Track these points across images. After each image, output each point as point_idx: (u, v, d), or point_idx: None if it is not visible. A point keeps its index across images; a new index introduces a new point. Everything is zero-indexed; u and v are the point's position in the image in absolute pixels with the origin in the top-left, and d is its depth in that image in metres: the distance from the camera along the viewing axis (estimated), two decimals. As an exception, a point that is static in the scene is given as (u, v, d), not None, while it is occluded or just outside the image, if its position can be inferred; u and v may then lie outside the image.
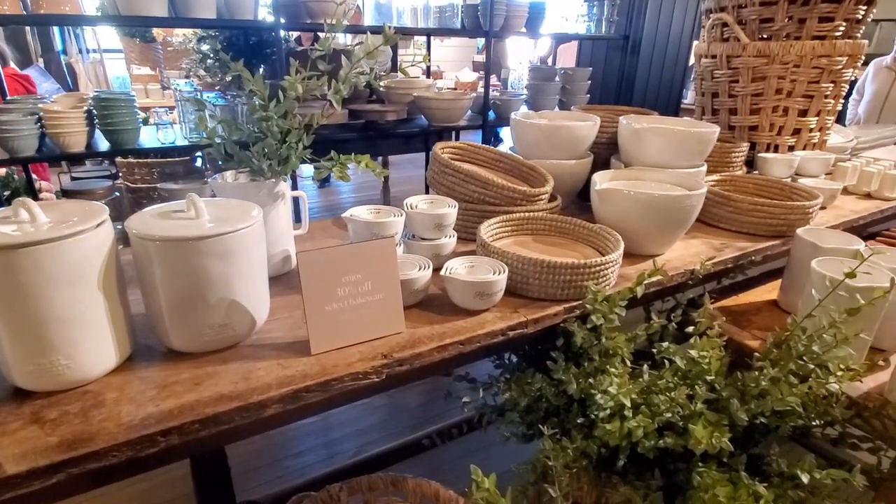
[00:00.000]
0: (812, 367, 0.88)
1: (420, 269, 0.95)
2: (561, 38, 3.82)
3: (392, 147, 3.80)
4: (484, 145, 1.45)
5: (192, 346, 0.79)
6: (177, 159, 3.06)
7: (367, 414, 2.09)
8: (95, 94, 2.14)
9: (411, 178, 5.58)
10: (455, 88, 6.03)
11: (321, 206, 4.99)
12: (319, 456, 1.85)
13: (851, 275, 0.86)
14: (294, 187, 1.12)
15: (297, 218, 1.15)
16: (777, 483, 0.88)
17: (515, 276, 0.97)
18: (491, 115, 3.14)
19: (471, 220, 1.21)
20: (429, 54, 3.67)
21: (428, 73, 3.86)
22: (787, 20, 1.53)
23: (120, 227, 0.75)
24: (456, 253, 1.12)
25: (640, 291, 0.92)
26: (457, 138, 5.06)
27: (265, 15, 2.46)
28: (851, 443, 0.98)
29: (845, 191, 1.67)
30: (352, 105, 2.88)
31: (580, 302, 0.97)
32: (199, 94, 2.70)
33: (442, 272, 0.93)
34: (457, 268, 0.96)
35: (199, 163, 3.09)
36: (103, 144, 2.26)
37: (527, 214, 1.19)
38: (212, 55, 2.89)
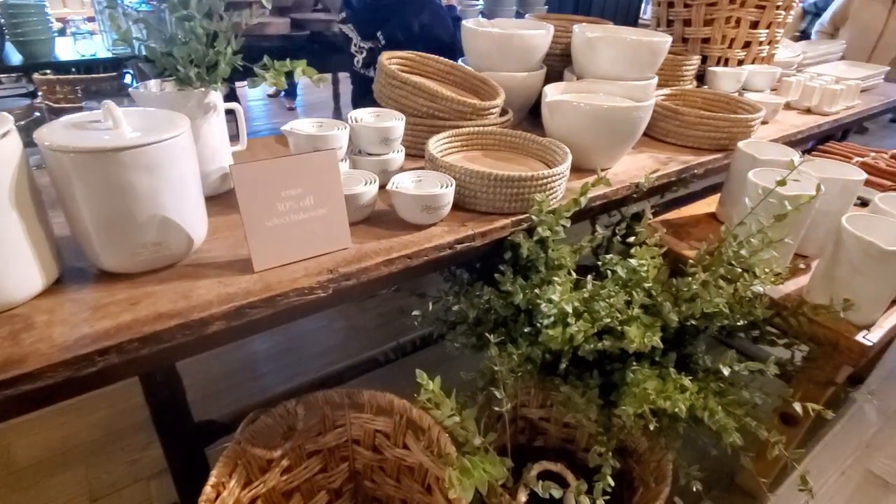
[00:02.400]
0: (740, 271, 0.94)
1: (366, 184, 0.92)
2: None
3: (342, 62, 3.57)
4: (434, 56, 1.38)
5: (127, 267, 0.75)
6: (102, 75, 2.78)
7: (326, 336, 2.12)
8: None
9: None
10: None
11: (269, 129, 4.72)
12: (279, 377, 1.89)
13: (782, 183, 0.89)
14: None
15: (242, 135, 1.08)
16: (702, 377, 0.96)
17: (463, 190, 0.96)
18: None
19: (420, 136, 1.17)
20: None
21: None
22: (745, -78, 1.47)
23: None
24: (404, 169, 1.10)
25: (583, 202, 0.94)
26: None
27: None
28: (770, 340, 1.07)
29: (788, 106, 1.71)
30: (294, 13, 2.65)
31: (527, 214, 0.98)
32: None
33: (388, 186, 0.91)
34: (404, 182, 0.94)
35: (128, 79, 2.83)
36: (16, 58, 2.02)
37: (476, 129, 1.17)
38: None
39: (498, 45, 1.33)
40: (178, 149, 0.71)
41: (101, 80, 2.72)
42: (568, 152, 1.04)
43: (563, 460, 1.15)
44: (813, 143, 1.80)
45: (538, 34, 1.34)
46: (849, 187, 1.09)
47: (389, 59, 1.28)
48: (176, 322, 0.68)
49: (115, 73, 2.77)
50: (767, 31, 1.65)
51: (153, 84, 0.94)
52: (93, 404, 1.64)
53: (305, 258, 0.81)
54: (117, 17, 0.84)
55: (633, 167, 1.24)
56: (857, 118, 1.73)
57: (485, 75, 1.33)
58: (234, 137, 1.07)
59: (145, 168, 0.68)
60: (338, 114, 4.73)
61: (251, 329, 0.76)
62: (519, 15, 3.15)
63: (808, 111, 1.69)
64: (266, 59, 0.88)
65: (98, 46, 2.70)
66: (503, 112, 1.29)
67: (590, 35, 1.29)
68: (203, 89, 0.90)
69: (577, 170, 1.18)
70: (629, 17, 3.04)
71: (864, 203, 1.38)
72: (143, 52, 0.87)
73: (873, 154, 1.66)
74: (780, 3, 1.59)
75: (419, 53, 1.38)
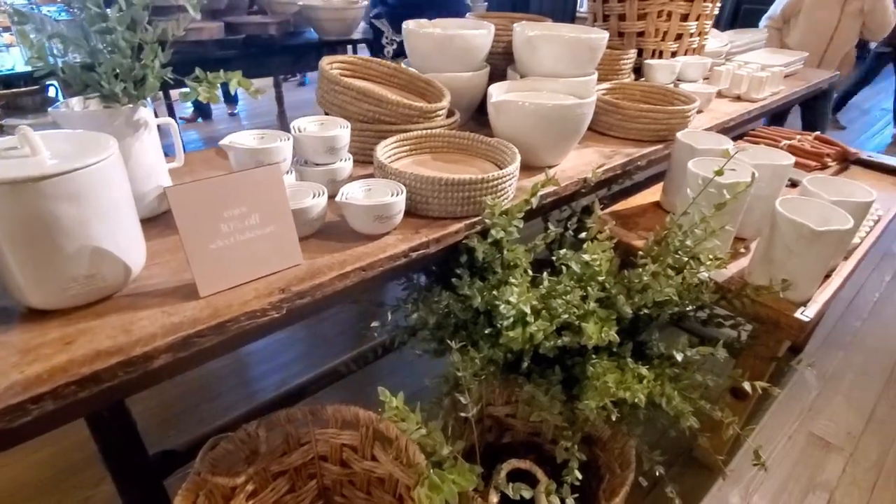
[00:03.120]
0: (686, 259, 0.97)
1: (315, 197, 0.89)
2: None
3: (280, 66, 3.47)
4: (376, 59, 1.36)
5: (57, 303, 0.70)
6: (23, 89, 2.59)
7: (286, 348, 2.07)
8: None
9: (310, 101, 5.20)
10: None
11: (206, 141, 4.52)
12: (238, 396, 1.82)
13: (719, 173, 0.93)
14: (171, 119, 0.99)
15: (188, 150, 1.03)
16: (657, 364, 0.99)
17: (415, 196, 0.95)
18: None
19: (368, 141, 1.15)
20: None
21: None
22: (671, -80, 1.52)
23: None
24: (353, 177, 1.07)
25: (535, 202, 0.95)
26: (355, 53, 4.73)
27: None
28: (717, 322, 1.12)
29: (720, 94, 1.79)
30: (228, 17, 2.55)
31: (480, 217, 0.98)
32: (34, 7, 2.25)
33: (338, 198, 0.88)
34: (354, 192, 0.92)
35: (53, 92, 2.64)
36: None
37: (424, 132, 1.16)
38: None
39: (440, 45, 1.32)
40: (105, 173, 0.66)
41: (22, 95, 2.53)
42: (516, 152, 1.05)
43: (531, 454, 1.16)
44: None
45: (479, 34, 1.34)
46: (779, 172, 1.16)
47: (331, 64, 1.25)
48: (117, 359, 0.64)
49: (36, 87, 2.58)
50: (697, 22, 1.72)
51: (76, 102, 0.87)
52: (37, 442, 1.53)
53: (255, 279, 0.78)
54: (26, 32, 0.77)
55: (580, 162, 1.26)
56: (783, 103, 1.83)
57: (429, 77, 1.32)
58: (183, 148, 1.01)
59: (70, 197, 0.63)
60: (282, 117, 4.60)
61: (201, 359, 0.72)
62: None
63: (739, 98, 1.78)
64: (198, 70, 0.84)
65: (17, 59, 2.52)
66: (450, 113, 1.29)
67: (530, 34, 1.31)
68: (131, 106, 0.85)
69: (527, 167, 1.19)
70: (567, 13, 3.10)
71: (794, 184, 1.47)
72: (62, 69, 0.81)
73: (798, 137, 1.77)
74: (707, -4, 1.66)
75: (362, 57, 1.36)
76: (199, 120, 4.39)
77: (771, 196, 1.17)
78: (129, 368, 0.65)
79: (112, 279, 0.72)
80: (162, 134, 0.95)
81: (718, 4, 1.75)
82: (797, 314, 1.01)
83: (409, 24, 1.37)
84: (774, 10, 2.84)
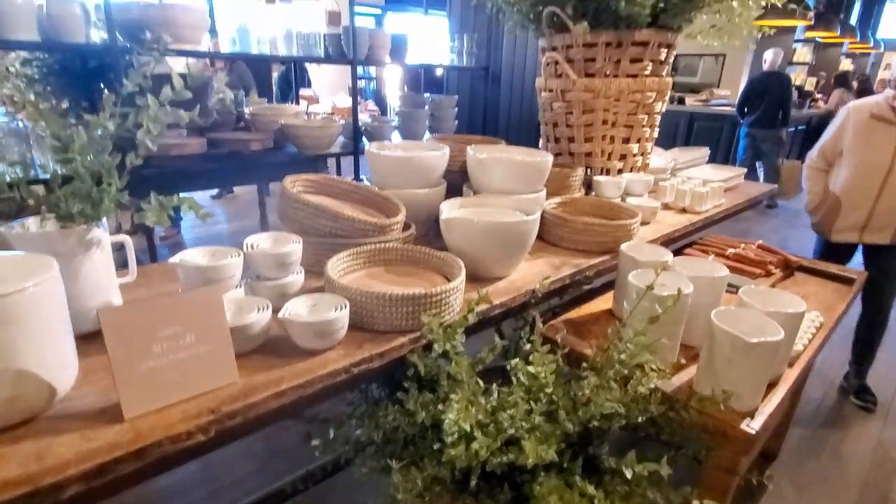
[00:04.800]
0: (627, 370, 0.99)
1: (259, 312, 0.91)
2: (427, 68, 3.98)
3: (261, 176, 3.65)
4: (337, 177, 1.45)
5: (-29, 427, 0.68)
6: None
7: (241, 462, 1.95)
8: None
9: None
10: (332, 113, 5.98)
11: (196, 238, 4.60)
12: (181, 520, 1.69)
13: (650, 287, 0.98)
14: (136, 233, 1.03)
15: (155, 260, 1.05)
16: (608, 480, 0.96)
17: (360, 311, 0.98)
18: (364, 141, 3.15)
19: (323, 254, 1.19)
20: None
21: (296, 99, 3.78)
22: (605, 60, 1.74)
23: None
24: (305, 289, 1.10)
25: (472, 319, 0.97)
26: (338, 164, 5.00)
27: (101, 34, 2.23)
28: (669, 432, 1.11)
29: (666, 206, 1.92)
30: (212, 133, 2.72)
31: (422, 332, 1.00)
32: (14, 120, 2.37)
33: (280, 314, 0.90)
34: (297, 308, 0.94)
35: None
36: None
37: (378, 246, 1.21)
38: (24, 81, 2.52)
39: (399, 166, 1.43)
40: (38, 297, 0.68)
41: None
42: (462, 266, 1.10)
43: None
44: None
45: (435, 156, 1.45)
46: (715, 283, 1.22)
47: (293, 182, 1.33)
48: (23, 490, 0.61)
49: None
50: (638, 144, 1.89)
51: (32, 222, 0.91)
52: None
53: (186, 398, 0.77)
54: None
55: (530, 273, 1.31)
56: (725, 216, 1.97)
57: (388, 193, 1.41)
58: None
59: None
60: (264, 220, 4.77)
61: (118, 487, 0.69)
62: (432, 129, 3.42)
63: (684, 210, 1.90)
64: (152, 195, 0.89)
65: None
66: (406, 226, 1.36)
67: (480, 157, 1.42)
68: (85, 226, 0.89)
69: (478, 279, 1.24)
70: (531, 130, 3.39)
71: (737, 289, 1.54)
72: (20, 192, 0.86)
73: (743, 245, 1.88)
74: (644, 123, 1.84)
75: (324, 175, 1.45)
76: (177, 232, 4.49)
77: (711, 305, 1.22)
78: (35, 500, 0.62)
79: (35, 401, 0.71)
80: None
81: (657, 129, 1.94)
82: (743, 426, 1.01)
83: (371, 147, 1.49)
84: (814, 152, 2.35)
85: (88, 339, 0.90)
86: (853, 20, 10.07)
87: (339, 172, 5.14)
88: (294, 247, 1.04)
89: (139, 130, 0.84)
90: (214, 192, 5.74)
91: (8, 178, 0.84)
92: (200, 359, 0.77)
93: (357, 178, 3.14)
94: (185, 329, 0.75)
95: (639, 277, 1.16)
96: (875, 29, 12.08)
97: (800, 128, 8.04)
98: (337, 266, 1.12)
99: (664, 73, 1.85)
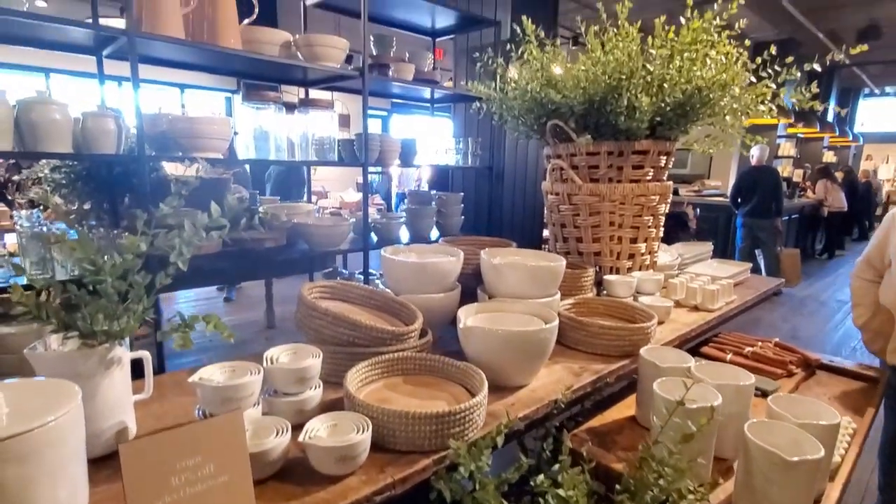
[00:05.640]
0: (665, 497, 0.93)
1: (277, 435, 0.88)
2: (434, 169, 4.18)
3: (274, 272, 3.70)
4: (353, 283, 1.47)
5: (-31, 579, 0.63)
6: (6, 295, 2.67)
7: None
8: None
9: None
10: (340, 208, 6.19)
11: (201, 334, 4.54)
12: None
13: (681, 403, 0.95)
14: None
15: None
16: None
17: (381, 429, 0.94)
18: (372, 237, 3.23)
19: (341, 364, 1.17)
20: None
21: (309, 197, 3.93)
22: (608, 167, 1.83)
23: None
24: (323, 404, 1.07)
25: (500, 441, 0.94)
26: (344, 259, 5.08)
27: (130, 146, 2.37)
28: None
29: (678, 304, 1.92)
30: (227, 234, 2.79)
31: (447, 452, 0.95)
32: (43, 225, 2.46)
33: (301, 437, 0.87)
34: (318, 429, 0.90)
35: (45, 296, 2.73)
36: None
37: (396, 355, 1.19)
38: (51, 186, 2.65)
39: (414, 272, 1.45)
40: (62, 430, 0.66)
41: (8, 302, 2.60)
42: (484, 379, 1.07)
43: None
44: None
45: (450, 261, 1.48)
46: (742, 392, 1.18)
47: (310, 290, 1.34)
48: None
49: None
50: (646, 244, 1.94)
51: (54, 340, 0.91)
52: None
53: (199, 537, 0.72)
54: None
55: (549, 381, 1.28)
56: (737, 312, 1.96)
57: (403, 298, 1.42)
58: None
59: (16, 459, 0.61)
60: (270, 312, 4.77)
61: None
62: (439, 225, 3.51)
63: (696, 308, 1.90)
64: (178, 313, 0.90)
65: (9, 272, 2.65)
66: (423, 333, 1.35)
67: (494, 262, 1.45)
68: (108, 345, 0.88)
69: (499, 388, 1.21)
70: (535, 228, 3.49)
71: (764, 394, 1.49)
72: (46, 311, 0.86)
73: (760, 343, 1.85)
74: (650, 224, 1.90)
75: (341, 281, 1.47)
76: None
77: (740, 414, 1.17)
78: None
79: (40, 544, 0.66)
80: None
81: (662, 229, 1.99)
82: (794, 555, 0.93)
83: (386, 252, 1.52)
84: (861, 262, 2.07)
85: (99, 464, 0.86)
86: (830, 117, 10.73)
87: (345, 265, 5.22)
88: (314, 361, 1.03)
89: (172, 252, 0.86)
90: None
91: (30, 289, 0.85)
92: (217, 491, 0.73)
93: (366, 272, 3.18)
94: (205, 460, 0.72)
95: (665, 388, 1.13)
96: (852, 124, 12.85)
97: (793, 216, 8.27)
98: (355, 378, 1.10)
99: (665, 178, 1.94)
